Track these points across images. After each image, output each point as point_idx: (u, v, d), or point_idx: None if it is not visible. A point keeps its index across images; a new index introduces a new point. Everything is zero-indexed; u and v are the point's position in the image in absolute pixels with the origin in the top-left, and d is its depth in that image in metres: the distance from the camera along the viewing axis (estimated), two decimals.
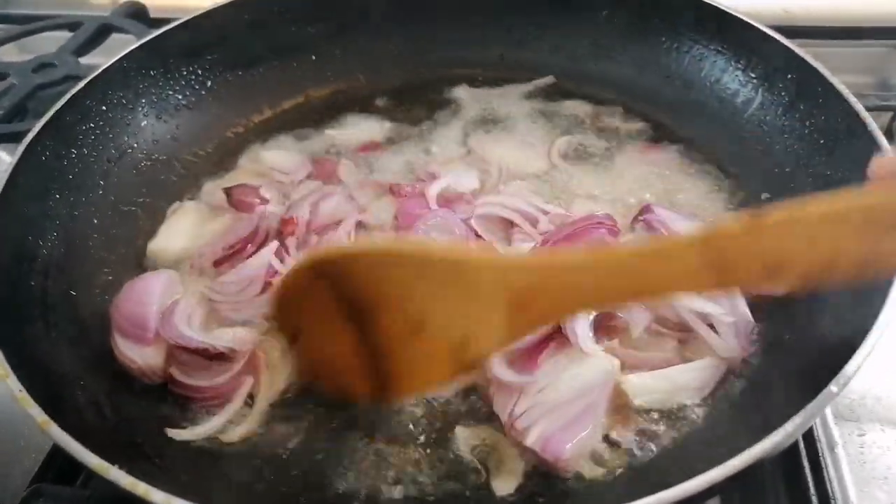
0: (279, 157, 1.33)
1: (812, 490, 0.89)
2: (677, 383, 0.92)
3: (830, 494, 0.89)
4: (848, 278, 0.61)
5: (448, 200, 1.18)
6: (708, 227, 0.62)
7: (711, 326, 0.96)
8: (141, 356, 0.96)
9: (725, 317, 0.95)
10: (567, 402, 0.87)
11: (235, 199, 1.21)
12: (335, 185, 1.25)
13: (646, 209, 1.11)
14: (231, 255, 1.09)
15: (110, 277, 1.12)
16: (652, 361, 0.94)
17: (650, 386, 0.92)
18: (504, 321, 0.69)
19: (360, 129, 1.41)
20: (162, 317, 0.99)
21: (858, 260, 0.56)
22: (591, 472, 0.87)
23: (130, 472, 0.70)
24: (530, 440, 0.85)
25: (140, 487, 0.68)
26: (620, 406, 0.92)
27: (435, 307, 0.69)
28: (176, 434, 0.92)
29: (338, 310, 0.70)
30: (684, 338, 0.97)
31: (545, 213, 1.11)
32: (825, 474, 0.92)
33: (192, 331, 0.97)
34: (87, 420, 0.87)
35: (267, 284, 1.03)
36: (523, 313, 0.69)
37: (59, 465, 0.96)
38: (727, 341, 0.94)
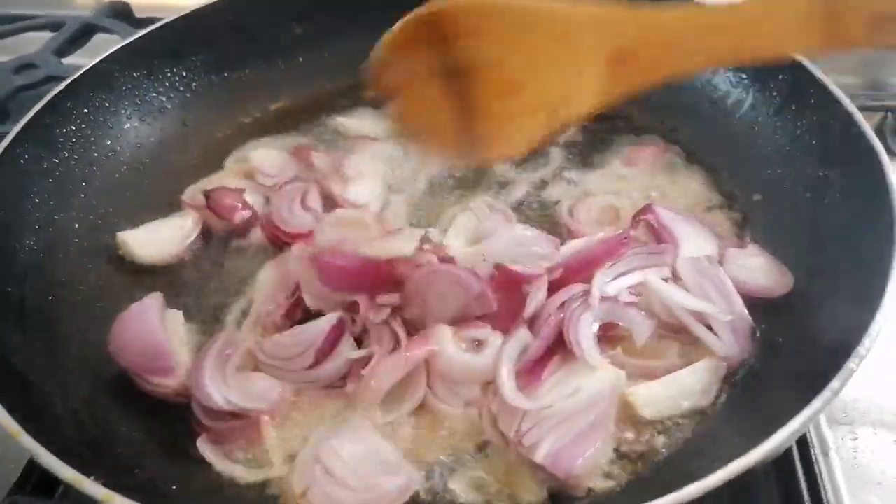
0: (265, 158, 1.31)
1: (805, 495, 0.88)
2: (683, 388, 0.91)
3: (824, 500, 0.88)
4: None
5: None
6: None
7: (710, 328, 0.95)
8: (173, 381, 0.94)
9: (722, 315, 0.94)
10: (575, 416, 0.86)
11: (213, 203, 1.17)
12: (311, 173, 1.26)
13: (646, 209, 1.09)
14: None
15: (90, 283, 1.10)
16: (656, 371, 0.93)
17: (657, 394, 0.90)
18: (603, 78, 0.70)
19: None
20: (192, 368, 0.94)
21: None
22: (602, 486, 0.85)
23: (108, 484, 0.68)
24: (539, 456, 0.82)
25: (116, 501, 0.66)
26: (628, 417, 0.90)
27: (536, 65, 0.71)
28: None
29: (440, 66, 0.73)
30: (686, 341, 0.96)
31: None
32: (819, 479, 0.90)
33: (219, 388, 0.91)
34: (65, 430, 0.85)
35: (320, 356, 0.94)
36: (623, 69, 0.69)
37: (37, 477, 0.93)
38: (725, 340, 0.93)
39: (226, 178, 1.29)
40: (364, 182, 1.23)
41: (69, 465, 0.70)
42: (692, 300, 0.96)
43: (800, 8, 0.61)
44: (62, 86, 1.20)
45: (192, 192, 1.23)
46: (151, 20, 1.38)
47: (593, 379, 0.89)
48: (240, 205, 1.17)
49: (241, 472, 0.88)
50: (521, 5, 0.70)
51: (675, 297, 0.96)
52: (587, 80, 0.70)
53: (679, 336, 0.96)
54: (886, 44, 0.61)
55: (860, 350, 0.74)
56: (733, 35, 0.65)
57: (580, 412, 0.86)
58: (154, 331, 0.96)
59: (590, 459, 0.83)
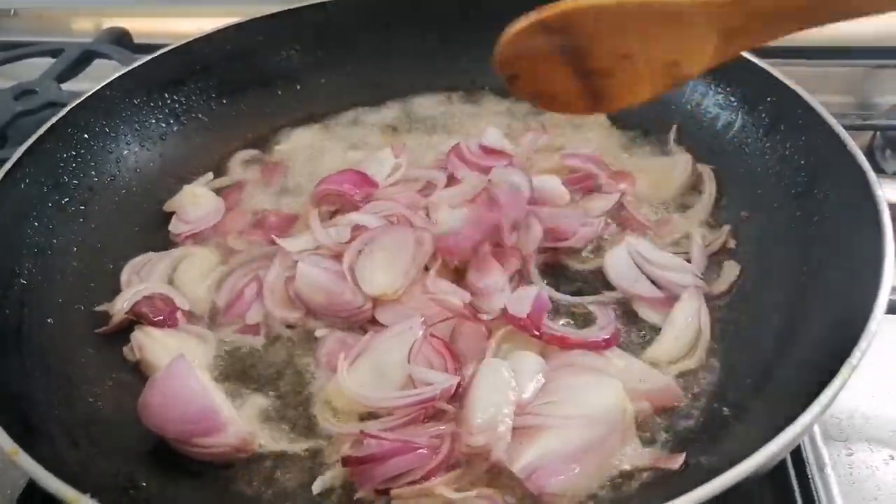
0: (188, 199, 1.27)
1: None
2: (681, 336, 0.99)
3: None
4: None
5: None
6: None
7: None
8: (229, 438, 0.90)
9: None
10: (569, 430, 0.84)
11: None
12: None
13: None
14: None
15: (88, 307, 1.11)
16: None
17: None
18: (714, 49, 0.76)
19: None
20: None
21: None
22: None
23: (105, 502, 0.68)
24: (517, 466, 0.82)
25: None
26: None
27: (647, 40, 0.77)
28: None
29: (560, 56, 0.79)
30: None
31: None
32: (814, 495, 0.91)
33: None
34: (61, 451, 0.85)
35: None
36: (731, 41, 0.75)
37: (35, 500, 0.93)
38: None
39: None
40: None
41: (67, 485, 0.70)
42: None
43: None
44: (63, 112, 1.21)
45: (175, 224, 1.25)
46: (150, 47, 1.41)
47: (595, 393, 0.88)
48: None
49: None
50: (636, 4, 0.75)
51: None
52: (699, 49, 0.77)
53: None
54: None
55: (851, 361, 0.75)
56: None
57: (574, 429, 0.84)
58: (195, 390, 0.89)
59: (565, 484, 0.82)
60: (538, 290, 1.00)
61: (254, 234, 1.22)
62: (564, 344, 0.96)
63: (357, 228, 1.11)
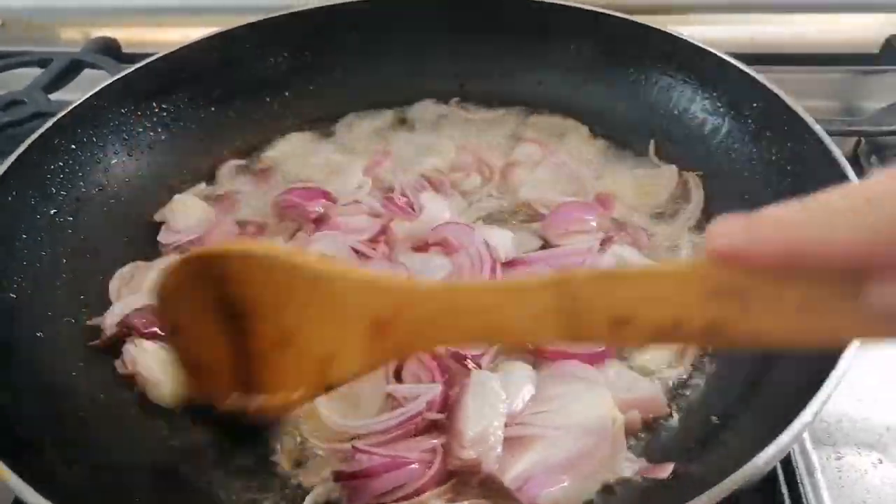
0: (179, 209, 1.27)
1: None
2: None
3: None
4: (695, 342, 0.64)
5: None
6: (563, 272, 0.62)
7: None
8: None
9: None
10: (559, 440, 0.85)
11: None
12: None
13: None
14: None
15: (79, 320, 1.10)
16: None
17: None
18: (365, 345, 0.70)
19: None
20: None
21: (702, 326, 0.55)
22: None
23: None
24: (508, 477, 0.82)
25: None
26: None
27: (303, 320, 0.72)
28: None
29: (216, 309, 0.73)
30: None
31: None
32: (803, 499, 0.91)
33: None
34: (51, 468, 0.84)
35: None
36: (381, 341, 0.69)
37: None
38: None
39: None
40: None
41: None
42: None
43: (539, 303, 0.61)
44: (50, 122, 1.20)
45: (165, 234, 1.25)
46: (139, 56, 1.40)
47: (588, 405, 0.88)
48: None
49: None
50: (287, 260, 0.71)
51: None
52: (351, 344, 0.71)
53: None
54: (627, 344, 0.62)
55: (839, 368, 0.76)
56: (480, 317, 0.65)
57: (564, 439, 0.85)
58: None
59: (556, 495, 0.82)
60: None
61: None
62: (559, 356, 0.96)
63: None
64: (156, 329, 1.06)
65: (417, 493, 0.82)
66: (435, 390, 0.90)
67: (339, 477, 0.85)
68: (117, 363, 1.04)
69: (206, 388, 0.81)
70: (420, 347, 0.76)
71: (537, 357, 0.98)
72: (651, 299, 0.57)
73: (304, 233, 1.20)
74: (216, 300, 0.73)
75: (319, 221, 1.21)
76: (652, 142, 1.35)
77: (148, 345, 1.04)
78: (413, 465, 0.84)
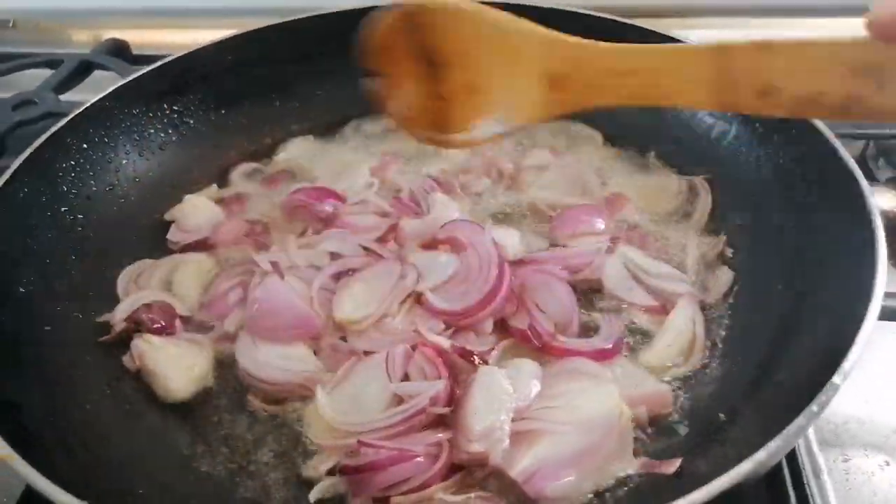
0: (189, 209, 1.29)
1: None
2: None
3: None
4: (830, 115, 0.67)
5: None
6: (720, 42, 0.69)
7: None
8: None
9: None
10: (566, 435, 0.85)
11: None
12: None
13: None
14: None
15: (86, 316, 1.11)
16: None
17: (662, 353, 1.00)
18: (542, 95, 0.81)
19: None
20: None
21: (840, 98, 0.64)
22: None
23: None
24: (515, 470, 0.82)
25: None
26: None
27: (491, 71, 0.82)
28: None
29: (418, 54, 0.84)
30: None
31: None
32: (810, 501, 0.91)
33: None
34: (58, 459, 0.84)
35: None
36: (556, 93, 0.80)
37: None
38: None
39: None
40: None
41: (64, 491, 0.70)
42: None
43: (696, 69, 0.71)
44: (63, 122, 1.22)
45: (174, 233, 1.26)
46: (148, 58, 1.42)
47: (594, 400, 0.88)
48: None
49: None
50: (483, 13, 0.81)
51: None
52: (531, 95, 0.81)
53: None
54: (770, 112, 0.70)
55: (844, 367, 0.76)
56: (642, 79, 0.75)
57: (571, 434, 0.85)
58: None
59: (563, 488, 0.82)
60: None
61: (244, 243, 1.22)
62: (569, 354, 0.96)
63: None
64: (164, 324, 1.07)
65: (423, 486, 0.82)
66: (438, 386, 0.90)
67: (344, 471, 0.85)
68: (125, 358, 1.05)
69: (405, 121, 0.93)
70: (591, 102, 0.81)
71: (543, 355, 0.98)
72: (800, 70, 0.65)
73: (313, 231, 1.21)
74: (418, 46, 0.83)
75: (328, 221, 1.22)
76: (653, 152, 1.36)
77: (156, 340, 1.04)
78: (419, 459, 0.84)
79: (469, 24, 0.81)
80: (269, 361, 1.00)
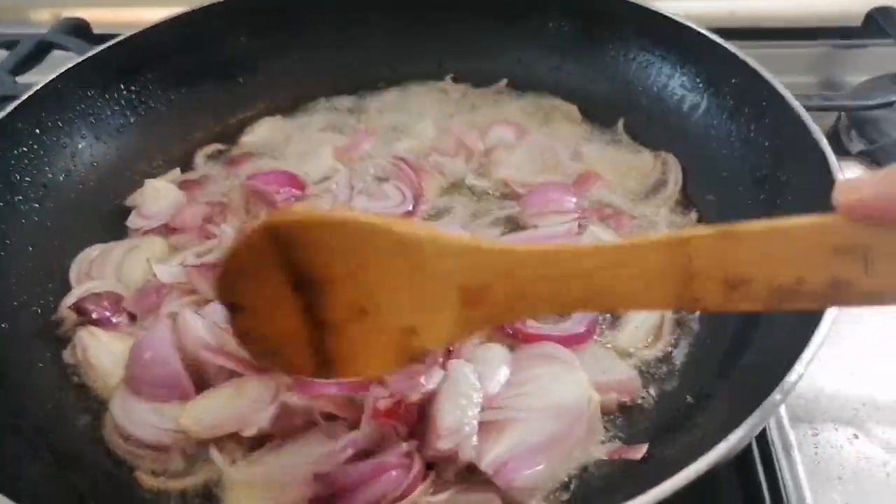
0: (150, 194, 1.24)
1: (766, 493, 0.89)
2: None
3: (784, 497, 0.89)
4: (807, 305, 0.59)
5: None
6: (677, 233, 0.60)
7: None
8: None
9: None
10: (535, 423, 0.84)
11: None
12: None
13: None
14: None
15: (45, 309, 1.08)
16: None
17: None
18: (454, 314, 0.65)
19: None
20: None
21: (821, 286, 0.55)
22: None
23: None
24: (485, 462, 0.81)
25: None
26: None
27: (384, 289, 0.66)
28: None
29: (286, 279, 0.66)
30: None
31: None
32: (779, 475, 0.91)
33: None
34: (18, 460, 0.82)
35: None
36: (472, 309, 0.65)
37: None
38: None
39: None
40: None
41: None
42: None
43: (651, 265, 0.59)
44: (11, 107, 1.17)
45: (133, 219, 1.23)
46: (110, 37, 1.35)
47: (564, 386, 0.87)
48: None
49: None
50: (367, 223, 0.64)
51: None
52: (438, 313, 0.66)
53: None
54: (746, 308, 0.60)
55: (812, 346, 0.75)
56: (585, 282, 0.62)
57: (540, 421, 0.84)
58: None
59: (533, 477, 0.81)
60: None
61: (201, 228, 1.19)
62: (540, 339, 0.95)
63: None
64: (109, 315, 1.03)
65: (404, 494, 0.80)
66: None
67: (315, 502, 0.81)
68: (65, 352, 1.01)
69: (277, 365, 0.75)
70: (516, 316, 0.72)
71: (514, 339, 0.96)
72: (773, 259, 0.56)
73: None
74: (287, 269, 0.65)
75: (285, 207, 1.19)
76: (622, 120, 1.35)
77: (101, 333, 1.00)
78: (392, 472, 0.81)
79: (357, 239, 0.64)
80: (142, 417, 0.89)
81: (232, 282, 0.67)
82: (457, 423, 0.82)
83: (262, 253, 0.65)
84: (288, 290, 0.66)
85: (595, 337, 0.99)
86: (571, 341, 0.96)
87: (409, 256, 0.64)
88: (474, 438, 0.82)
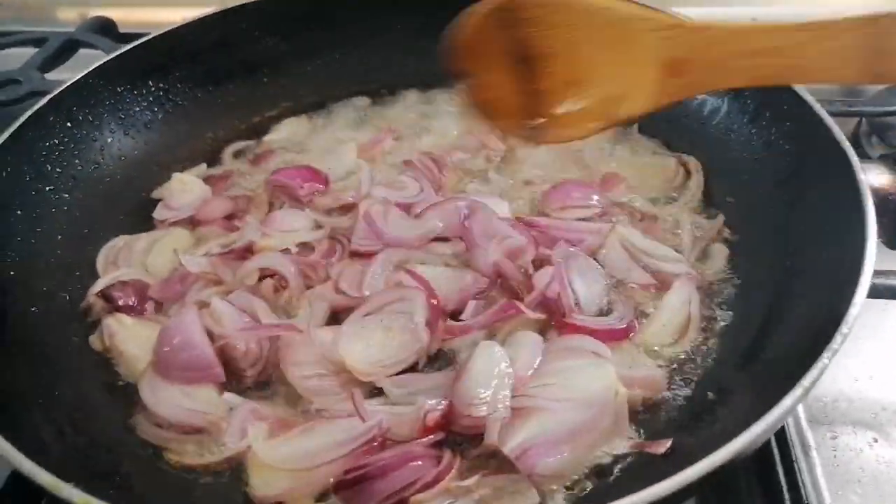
0: (177, 187, 1.27)
1: (786, 494, 0.89)
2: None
3: (804, 498, 0.89)
4: None
5: None
6: (872, 14, 0.64)
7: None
8: None
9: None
10: (560, 413, 0.84)
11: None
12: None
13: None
14: None
15: (73, 295, 1.10)
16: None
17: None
18: (657, 84, 0.75)
19: None
20: None
21: None
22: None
23: (88, 490, 0.68)
24: (509, 446, 0.81)
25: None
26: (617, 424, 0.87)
27: (597, 62, 0.77)
28: None
29: (513, 50, 0.78)
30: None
31: None
32: (799, 478, 0.91)
33: None
34: (45, 440, 0.84)
35: None
36: (676, 77, 0.74)
37: (19, 492, 0.92)
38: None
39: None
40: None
41: (48, 472, 0.69)
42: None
43: (843, 42, 0.65)
44: (45, 100, 1.20)
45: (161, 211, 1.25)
46: (135, 36, 1.39)
47: (590, 378, 0.88)
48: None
49: None
50: (585, 1, 0.75)
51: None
52: (642, 84, 0.76)
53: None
54: None
55: (833, 345, 0.75)
56: (781, 57, 0.69)
57: (566, 411, 0.84)
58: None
59: (556, 465, 0.82)
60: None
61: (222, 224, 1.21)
62: (582, 331, 0.96)
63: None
64: (135, 303, 1.05)
65: (436, 480, 0.80)
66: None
67: (337, 487, 0.82)
68: (92, 338, 1.03)
69: (498, 124, 0.87)
70: (713, 86, 0.81)
71: (554, 328, 0.98)
72: None
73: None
74: (513, 42, 0.77)
75: (308, 203, 1.22)
76: (644, 129, 1.35)
77: (127, 320, 1.02)
78: (418, 462, 0.82)
79: (576, 16, 0.75)
80: (172, 400, 0.91)
81: (465, 50, 0.80)
82: (489, 392, 0.84)
83: (490, 27, 0.78)
84: (511, 60, 0.79)
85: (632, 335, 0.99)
86: (610, 336, 0.97)
87: (622, 31, 0.75)
88: (507, 413, 0.84)
